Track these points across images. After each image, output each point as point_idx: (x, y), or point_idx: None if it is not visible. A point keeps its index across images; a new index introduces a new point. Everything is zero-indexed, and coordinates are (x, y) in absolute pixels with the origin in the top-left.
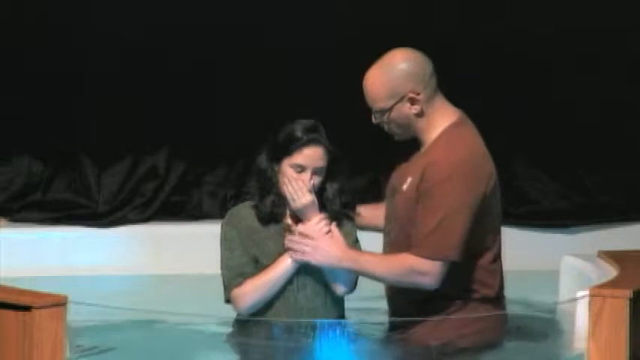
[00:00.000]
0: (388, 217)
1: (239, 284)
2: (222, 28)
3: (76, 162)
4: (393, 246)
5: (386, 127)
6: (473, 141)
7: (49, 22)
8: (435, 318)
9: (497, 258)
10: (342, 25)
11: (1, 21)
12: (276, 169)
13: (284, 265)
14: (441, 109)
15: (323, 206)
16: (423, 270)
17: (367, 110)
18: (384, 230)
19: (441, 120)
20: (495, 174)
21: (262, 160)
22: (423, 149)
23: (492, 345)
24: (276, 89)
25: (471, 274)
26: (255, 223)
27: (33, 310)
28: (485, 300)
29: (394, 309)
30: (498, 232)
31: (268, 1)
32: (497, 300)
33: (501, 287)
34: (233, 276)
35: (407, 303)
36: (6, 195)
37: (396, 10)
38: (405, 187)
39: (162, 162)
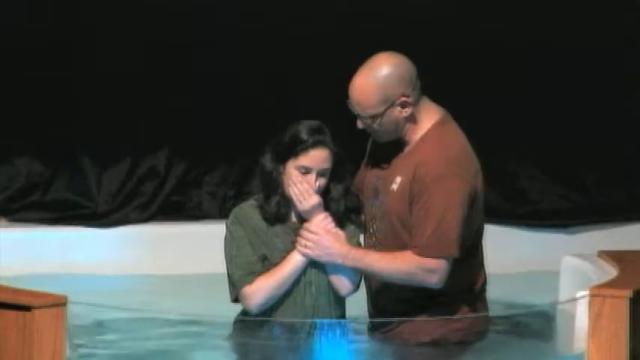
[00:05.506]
0: (372, 218)
1: (250, 282)
2: (222, 28)
3: (76, 162)
4: (381, 246)
5: (373, 131)
6: (460, 138)
7: (49, 25)
8: (424, 316)
9: (482, 253)
10: (342, 25)
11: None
12: (280, 170)
13: (294, 262)
14: (425, 108)
15: (327, 208)
16: (431, 269)
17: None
18: (366, 231)
19: (426, 119)
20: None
21: (267, 160)
22: (407, 148)
23: (483, 340)
24: (276, 89)
25: (460, 269)
26: (261, 222)
27: (33, 310)
28: (472, 294)
29: (381, 306)
30: (483, 228)
31: (268, 3)
32: (482, 294)
33: (485, 282)
34: (243, 274)
35: (393, 301)
36: (6, 195)
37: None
38: (394, 187)
39: (162, 162)
